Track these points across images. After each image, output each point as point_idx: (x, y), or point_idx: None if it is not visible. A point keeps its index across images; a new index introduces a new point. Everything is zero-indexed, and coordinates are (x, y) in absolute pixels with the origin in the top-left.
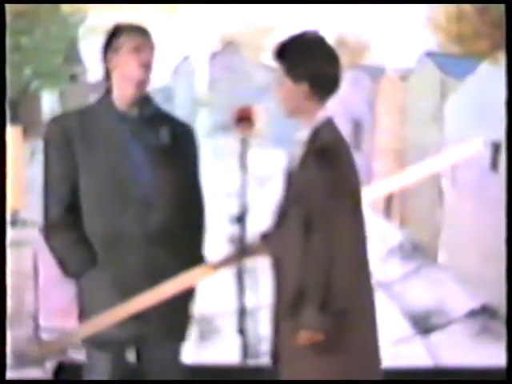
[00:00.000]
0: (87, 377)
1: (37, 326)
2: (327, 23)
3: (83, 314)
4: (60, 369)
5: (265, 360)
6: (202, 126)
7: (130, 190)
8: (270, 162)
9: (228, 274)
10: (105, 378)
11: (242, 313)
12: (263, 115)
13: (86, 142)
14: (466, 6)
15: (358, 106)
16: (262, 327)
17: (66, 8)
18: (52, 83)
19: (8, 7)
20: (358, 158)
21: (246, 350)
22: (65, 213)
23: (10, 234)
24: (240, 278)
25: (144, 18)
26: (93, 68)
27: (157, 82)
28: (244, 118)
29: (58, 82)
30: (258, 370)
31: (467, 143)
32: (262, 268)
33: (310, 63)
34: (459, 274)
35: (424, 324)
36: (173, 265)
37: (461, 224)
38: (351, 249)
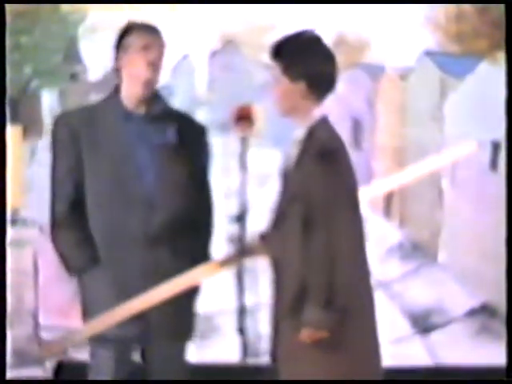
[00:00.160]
0: (90, 375)
1: (37, 325)
2: (327, 22)
3: (85, 312)
4: (60, 368)
5: (265, 359)
6: None
7: (133, 189)
8: (270, 162)
9: (228, 273)
10: (108, 376)
11: (242, 312)
12: (263, 114)
13: (92, 140)
14: (466, 6)
15: (358, 104)
16: (262, 326)
17: (65, 7)
18: (52, 82)
19: (8, 7)
20: (358, 157)
21: (245, 349)
22: (69, 210)
23: (10, 233)
24: (240, 277)
25: (144, 16)
26: (93, 67)
27: None
28: (243, 117)
29: (57, 81)
30: (258, 368)
31: (460, 145)
32: (261, 267)
33: (307, 62)
34: (459, 274)
35: (424, 323)
36: (175, 265)
37: (460, 223)
38: (351, 247)
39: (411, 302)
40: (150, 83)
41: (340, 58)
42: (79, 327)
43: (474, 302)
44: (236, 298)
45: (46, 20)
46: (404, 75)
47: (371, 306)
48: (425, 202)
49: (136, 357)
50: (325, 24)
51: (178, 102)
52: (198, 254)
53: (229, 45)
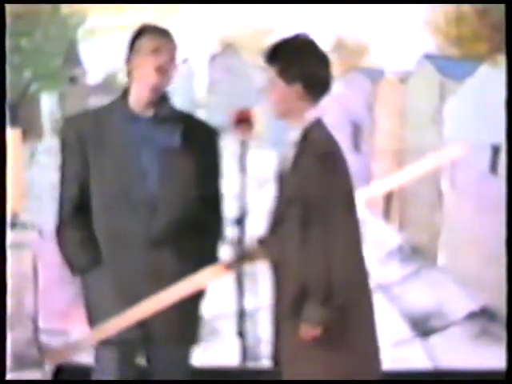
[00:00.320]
0: (94, 377)
1: (36, 328)
2: (326, 26)
3: (88, 313)
4: (59, 371)
5: (264, 362)
6: None
7: (136, 192)
8: (269, 164)
9: (228, 276)
10: (111, 378)
11: (242, 315)
12: (262, 117)
13: (98, 143)
14: (466, 8)
15: (357, 108)
16: (262, 329)
17: (65, 9)
18: (51, 85)
19: (8, 9)
20: (358, 160)
21: (245, 353)
22: (74, 212)
23: (10, 236)
24: (240, 280)
25: (143, 19)
26: (92, 70)
27: None
28: (243, 120)
29: (57, 84)
30: (258, 372)
31: (448, 147)
32: (261, 271)
33: (302, 64)
34: (459, 277)
35: (423, 326)
36: (177, 267)
37: (460, 226)
38: (349, 247)
39: (411, 305)
40: (157, 87)
41: (339, 62)
42: (86, 333)
43: (473, 305)
44: (236, 301)
45: (46, 23)
46: (403, 79)
47: (370, 306)
48: (424, 205)
49: (140, 360)
50: (324, 28)
51: (177, 105)
52: (202, 256)
53: (228, 48)
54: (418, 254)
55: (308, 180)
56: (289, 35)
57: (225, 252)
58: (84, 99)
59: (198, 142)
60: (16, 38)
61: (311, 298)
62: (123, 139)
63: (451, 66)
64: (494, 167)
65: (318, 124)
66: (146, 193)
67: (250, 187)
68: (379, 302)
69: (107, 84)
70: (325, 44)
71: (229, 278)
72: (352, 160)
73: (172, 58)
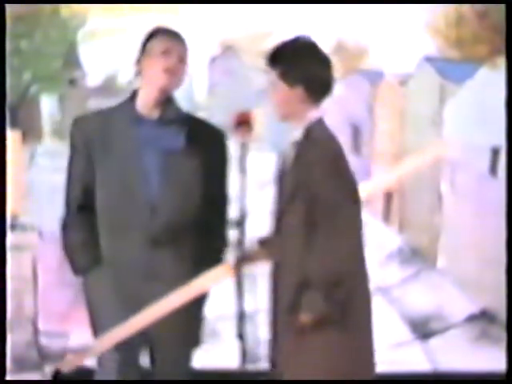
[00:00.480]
0: (96, 378)
1: (36, 331)
2: (326, 28)
3: (90, 313)
4: (59, 373)
5: (264, 365)
6: None
7: (138, 193)
8: (269, 166)
9: (227, 278)
10: (112, 378)
11: (242, 317)
12: (262, 119)
13: (104, 144)
14: (466, 11)
15: (358, 110)
16: (262, 332)
17: (65, 12)
18: (51, 87)
19: (8, 10)
20: (357, 162)
21: (245, 355)
22: (77, 212)
23: (9, 238)
24: (239, 282)
25: (143, 23)
26: (92, 72)
27: None
28: (243, 123)
29: (57, 86)
30: (257, 374)
31: (431, 146)
32: (261, 272)
33: (304, 67)
34: (458, 279)
35: (423, 329)
36: (177, 268)
37: (460, 228)
38: (354, 245)
39: (411, 307)
40: (165, 89)
41: (339, 64)
42: (96, 341)
43: (473, 308)
44: (235, 303)
45: (46, 25)
46: (403, 81)
47: (369, 307)
48: (424, 208)
49: (144, 361)
50: (324, 30)
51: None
52: (206, 258)
53: (228, 51)
54: (418, 256)
55: (312, 179)
56: (290, 38)
57: (227, 254)
58: (84, 101)
59: (202, 144)
60: (16, 40)
61: (313, 290)
62: (127, 141)
63: (451, 69)
64: (493, 169)
65: (320, 124)
66: (148, 194)
67: (249, 189)
68: (379, 305)
69: (107, 86)
70: (325, 46)
71: (228, 280)
72: (352, 162)
73: (181, 61)
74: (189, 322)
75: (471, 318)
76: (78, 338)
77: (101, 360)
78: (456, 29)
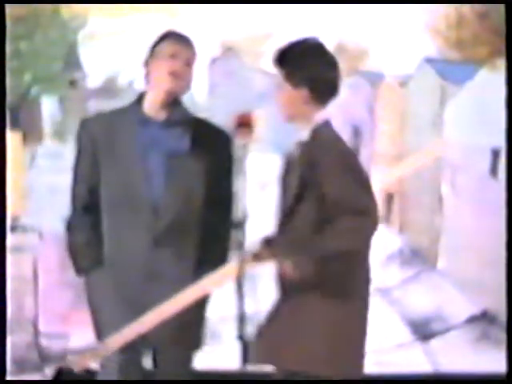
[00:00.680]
0: (98, 378)
1: (36, 332)
2: (326, 29)
3: (93, 313)
4: (59, 374)
5: (265, 366)
6: None
7: (141, 194)
8: (270, 167)
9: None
10: (114, 379)
11: (242, 319)
12: (263, 120)
13: (109, 145)
14: (466, 12)
15: (358, 111)
16: None
17: (65, 13)
18: (52, 89)
19: (8, 11)
20: None
21: (245, 356)
22: (82, 213)
23: (10, 239)
24: (240, 283)
25: (143, 23)
26: (93, 74)
27: None
28: (244, 124)
29: (57, 87)
30: (258, 375)
31: (429, 146)
32: (261, 274)
33: (309, 68)
34: (459, 280)
35: (424, 330)
36: (178, 270)
37: (460, 230)
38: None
39: (411, 308)
40: (171, 91)
41: (339, 66)
42: (102, 344)
43: (473, 309)
44: (236, 305)
45: (46, 26)
46: (404, 82)
47: (366, 303)
48: (425, 209)
49: (147, 363)
50: (324, 31)
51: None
52: (208, 259)
53: (229, 52)
54: (419, 257)
55: (320, 179)
56: (297, 39)
57: (229, 255)
58: (84, 102)
59: (208, 146)
60: (16, 41)
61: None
62: (133, 142)
63: (451, 70)
64: (493, 170)
65: (327, 125)
66: (151, 195)
67: (250, 190)
68: (379, 306)
69: (107, 87)
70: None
71: (229, 282)
72: None
73: (188, 64)
74: (191, 323)
75: (472, 319)
76: (78, 339)
77: (103, 361)
78: (456, 30)
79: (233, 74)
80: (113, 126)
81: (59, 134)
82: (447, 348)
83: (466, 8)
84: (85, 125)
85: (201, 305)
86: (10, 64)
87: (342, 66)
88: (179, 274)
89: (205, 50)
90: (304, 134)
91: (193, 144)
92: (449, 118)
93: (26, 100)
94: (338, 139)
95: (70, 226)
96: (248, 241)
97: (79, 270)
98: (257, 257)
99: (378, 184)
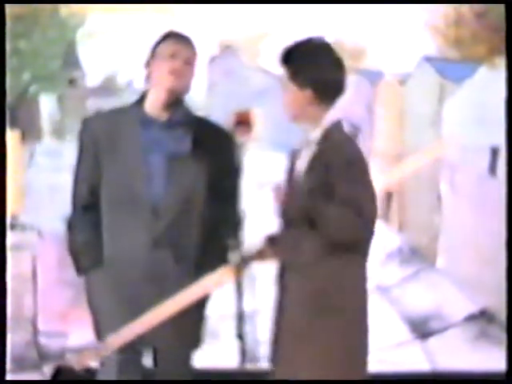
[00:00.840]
0: (99, 378)
1: (35, 330)
2: (325, 28)
3: (93, 313)
4: (58, 373)
5: (263, 364)
6: None
7: (141, 194)
8: (268, 166)
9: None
10: (114, 378)
11: (241, 317)
12: (261, 119)
13: (111, 145)
14: (465, 11)
15: (357, 110)
16: (261, 332)
17: (64, 12)
18: (50, 87)
19: (8, 10)
20: None
21: (244, 355)
22: (82, 212)
23: (9, 238)
24: (239, 282)
25: (142, 22)
26: (91, 72)
27: None
28: (242, 122)
29: (56, 86)
30: (257, 374)
31: (429, 146)
32: (260, 273)
33: (313, 70)
34: (458, 279)
35: (423, 328)
36: (178, 270)
37: (459, 228)
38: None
39: (410, 306)
40: (172, 90)
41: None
42: (103, 343)
43: (472, 308)
44: (235, 303)
45: (45, 25)
46: (403, 80)
47: (365, 306)
48: (424, 207)
49: (147, 362)
50: (322, 30)
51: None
52: (209, 259)
53: (227, 50)
54: (418, 256)
55: (330, 180)
56: (303, 38)
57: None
58: (83, 101)
59: (209, 146)
60: (15, 40)
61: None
62: (134, 142)
63: (450, 68)
64: (492, 169)
65: (339, 126)
66: (151, 196)
67: (248, 189)
68: (378, 304)
69: (106, 86)
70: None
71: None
72: None
73: (188, 64)
74: (190, 322)
75: (470, 318)
76: (77, 338)
77: (103, 360)
78: (455, 28)
79: (231, 73)
80: (115, 125)
81: (58, 133)
82: (446, 346)
83: (464, 7)
84: (86, 124)
85: (201, 304)
86: (8, 63)
87: None
88: (179, 275)
89: (203, 49)
90: (315, 133)
91: (194, 144)
92: (448, 116)
93: (24, 99)
94: (348, 140)
95: (71, 226)
96: (247, 240)
97: (79, 270)
98: (260, 255)
99: (378, 184)
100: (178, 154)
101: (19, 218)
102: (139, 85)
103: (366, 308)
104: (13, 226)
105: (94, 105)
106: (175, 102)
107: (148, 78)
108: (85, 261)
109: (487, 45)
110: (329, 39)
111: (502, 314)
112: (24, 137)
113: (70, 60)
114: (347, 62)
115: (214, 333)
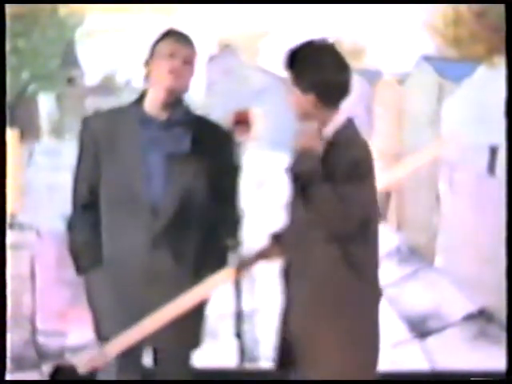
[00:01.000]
0: (98, 377)
1: (34, 329)
2: (323, 27)
3: (92, 312)
4: (56, 372)
5: (262, 363)
6: None
7: (139, 194)
8: (267, 165)
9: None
10: (114, 378)
11: (240, 317)
12: (260, 118)
13: (110, 144)
14: (464, 10)
15: (356, 109)
16: (259, 331)
17: (63, 11)
18: (49, 86)
19: (7, 9)
20: None
21: (243, 354)
22: (82, 212)
23: (8, 237)
24: (237, 282)
25: (141, 21)
26: (90, 71)
27: None
28: (241, 122)
29: (55, 85)
30: (255, 373)
31: (428, 146)
32: (259, 272)
33: (316, 74)
34: (456, 278)
35: (421, 328)
36: (177, 271)
37: (458, 228)
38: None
39: (408, 306)
40: (171, 89)
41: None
42: (105, 347)
43: (471, 307)
44: (234, 303)
45: (44, 24)
46: (401, 80)
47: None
48: (422, 206)
49: (147, 360)
50: (322, 30)
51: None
52: (209, 259)
53: (226, 49)
54: (416, 255)
55: (336, 180)
56: (306, 40)
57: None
58: (82, 100)
59: (208, 146)
60: (14, 39)
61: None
62: (133, 141)
63: (449, 68)
64: (491, 168)
65: (348, 126)
66: (150, 196)
67: (247, 188)
68: None
69: (105, 85)
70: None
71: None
72: None
73: (187, 63)
74: (190, 322)
75: (469, 317)
76: (75, 337)
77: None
78: (454, 28)
79: (230, 72)
80: (114, 125)
81: (57, 132)
82: (444, 346)
83: (463, 6)
84: (86, 123)
85: (200, 304)
86: (7, 62)
87: None
88: (178, 275)
89: (202, 48)
90: (326, 134)
91: (194, 144)
92: (446, 115)
93: (23, 98)
94: (356, 141)
95: (71, 225)
96: (246, 240)
97: (79, 269)
98: (266, 254)
99: (377, 184)
100: (177, 154)
101: (18, 217)
102: (138, 84)
103: (377, 307)
104: (11, 226)
105: (92, 104)
106: (174, 101)
107: (147, 77)
108: (84, 260)
109: (486, 44)
110: (329, 39)
111: (501, 314)
112: (23, 136)
113: (69, 59)
114: None
115: (213, 332)
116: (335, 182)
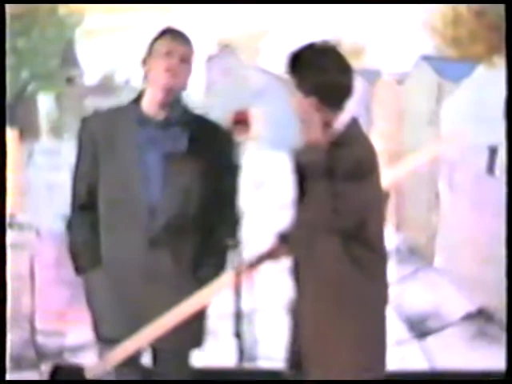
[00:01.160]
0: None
1: (33, 329)
2: (322, 27)
3: (91, 312)
4: (56, 372)
5: (261, 363)
6: None
7: (138, 194)
8: (267, 165)
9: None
10: (113, 377)
11: (239, 316)
12: (260, 118)
13: (108, 144)
14: (463, 10)
15: (355, 109)
16: (259, 331)
17: (62, 10)
18: (49, 86)
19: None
20: None
21: (242, 354)
22: (80, 211)
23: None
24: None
25: (140, 21)
26: (89, 71)
27: None
28: (241, 122)
29: (54, 84)
30: (254, 372)
31: (427, 146)
32: (258, 271)
33: (317, 78)
34: (455, 278)
35: (420, 327)
36: (176, 271)
37: (457, 227)
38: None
39: (408, 306)
40: (168, 88)
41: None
42: (110, 353)
43: (470, 307)
44: (233, 302)
45: (43, 23)
46: (400, 80)
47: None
48: (421, 206)
49: (146, 361)
50: (321, 29)
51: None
52: (204, 260)
53: (225, 49)
54: (415, 255)
55: (338, 180)
56: (306, 43)
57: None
58: (81, 99)
59: (206, 145)
60: (13, 38)
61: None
62: (131, 141)
63: (448, 67)
64: (491, 168)
65: (352, 127)
66: (148, 195)
67: (246, 188)
68: None
69: (104, 84)
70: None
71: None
72: None
73: (184, 61)
74: (190, 322)
75: (468, 317)
76: (74, 337)
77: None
78: (453, 27)
79: (230, 72)
80: (112, 124)
81: (56, 131)
82: (444, 345)
83: (462, 6)
84: (85, 123)
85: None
86: (7, 61)
87: None
88: (176, 275)
89: (201, 48)
90: (330, 132)
91: (192, 143)
92: (446, 115)
93: (22, 97)
94: (360, 141)
95: (70, 225)
96: (245, 240)
97: (78, 269)
98: (273, 254)
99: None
100: (175, 154)
101: (17, 217)
102: (137, 83)
103: (385, 307)
104: (10, 225)
105: (91, 103)
106: (172, 100)
107: (145, 76)
108: (83, 260)
109: (485, 44)
110: (326, 38)
111: (500, 313)
112: (22, 135)
113: (68, 58)
114: None
115: (212, 331)
116: (336, 179)
